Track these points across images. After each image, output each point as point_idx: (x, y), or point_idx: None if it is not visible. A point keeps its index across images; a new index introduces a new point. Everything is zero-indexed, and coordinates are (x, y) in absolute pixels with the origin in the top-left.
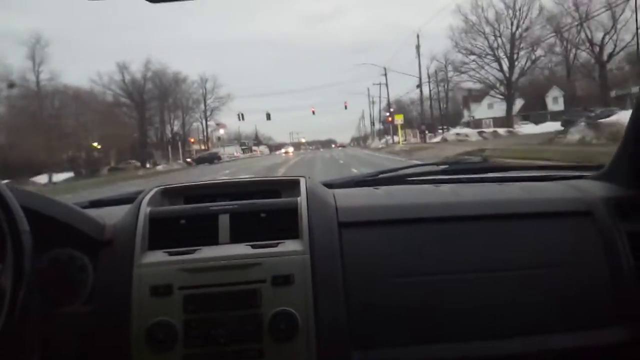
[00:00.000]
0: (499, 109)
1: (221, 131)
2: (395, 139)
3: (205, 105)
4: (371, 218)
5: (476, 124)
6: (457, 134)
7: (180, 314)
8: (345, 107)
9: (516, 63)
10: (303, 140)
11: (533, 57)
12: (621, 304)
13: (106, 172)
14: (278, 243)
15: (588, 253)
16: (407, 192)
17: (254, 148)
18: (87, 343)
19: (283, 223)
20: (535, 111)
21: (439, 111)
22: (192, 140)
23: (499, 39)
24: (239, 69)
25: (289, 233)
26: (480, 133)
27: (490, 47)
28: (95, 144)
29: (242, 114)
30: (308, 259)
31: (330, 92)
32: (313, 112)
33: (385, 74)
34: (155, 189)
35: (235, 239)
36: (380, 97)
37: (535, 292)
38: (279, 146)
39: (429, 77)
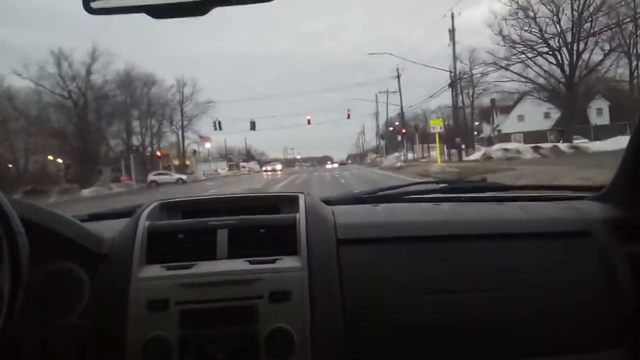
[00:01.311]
0: (533, 122)
1: (207, 145)
2: (410, 155)
3: (182, 113)
4: (370, 235)
5: (502, 139)
6: (505, 150)
7: (177, 329)
8: (348, 117)
9: (580, 58)
10: (298, 157)
11: (602, 48)
12: (621, 327)
13: (20, 195)
14: (276, 259)
15: (587, 274)
16: (406, 210)
17: (243, 164)
18: (83, 356)
19: (281, 239)
20: (579, 125)
21: (464, 123)
22: (160, 154)
23: (557, 25)
24: (231, 84)
25: (287, 249)
26: (536, 149)
27: (543, 36)
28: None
29: (219, 122)
30: (306, 275)
31: (327, 108)
32: (309, 122)
33: (399, 76)
34: (155, 203)
35: (233, 254)
36: (387, 108)
37: (535, 313)
38: (271, 162)
39: (456, 79)
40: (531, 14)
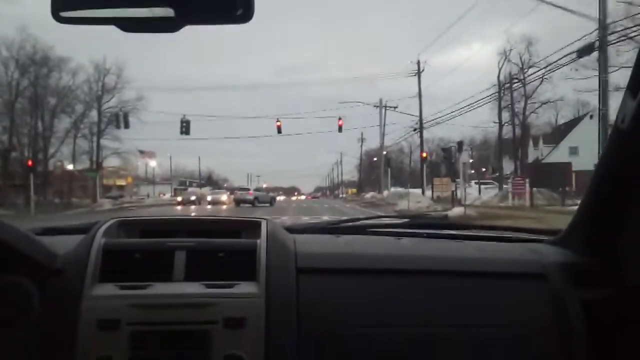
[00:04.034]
0: (590, 155)
1: (152, 163)
2: (394, 189)
3: (99, 111)
4: (330, 266)
5: None
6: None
7: (127, 351)
8: (340, 129)
9: None
10: (264, 186)
11: None
12: None
13: None
14: (234, 284)
15: (540, 317)
16: (367, 242)
17: (191, 190)
18: None
19: (240, 264)
20: None
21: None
22: (30, 163)
23: None
24: (201, 110)
25: (245, 275)
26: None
27: None
28: None
29: (187, 122)
30: (263, 302)
31: (297, 139)
32: (279, 129)
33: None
34: (112, 221)
35: (190, 277)
36: (382, 127)
37: (485, 353)
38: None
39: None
40: None
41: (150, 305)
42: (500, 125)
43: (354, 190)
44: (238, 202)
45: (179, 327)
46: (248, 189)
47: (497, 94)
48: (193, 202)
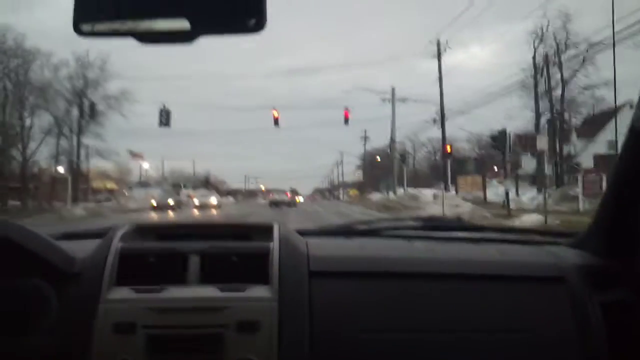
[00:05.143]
0: None
1: (145, 165)
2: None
3: (80, 108)
4: (342, 269)
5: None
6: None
7: (142, 354)
8: (346, 121)
9: None
10: (262, 188)
11: None
12: None
13: None
14: (246, 287)
15: (559, 320)
16: (380, 245)
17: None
18: None
19: (253, 268)
20: None
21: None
22: None
23: None
24: (200, 109)
25: (258, 278)
26: None
27: None
28: None
29: (167, 112)
30: (276, 306)
31: (296, 140)
32: (276, 121)
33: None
34: (129, 225)
35: (204, 280)
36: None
37: (503, 357)
38: (230, 193)
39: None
40: None
41: (165, 308)
42: (538, 114)
43: (355, 191)
44: (274, 203)
45: (194, 330)
46: (284, 191)
47: (531, 78)
48: (171, 207)
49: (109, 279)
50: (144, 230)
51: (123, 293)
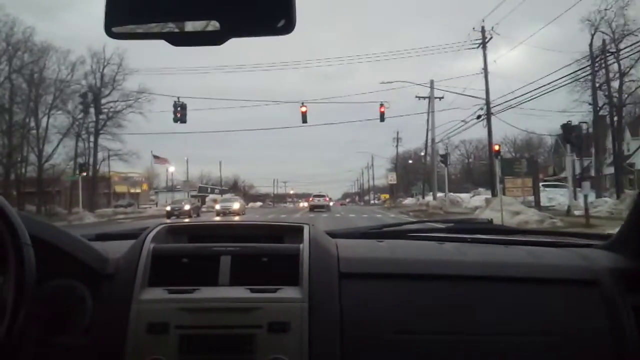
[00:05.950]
0: None
1: (170, 169)
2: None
3: (95, 106)
4: (372, 270)
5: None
6: None
7: (175, 354)
8: (382, 117)
9: None
10: (291, 192)
11: None
12: None
13: None
14: (277, 289)
15: (592, 323)
16: (410, 247)
17: (216, 197)
18: None
19: (284, 269)
20: None
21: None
22: None
23: None
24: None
25: (289, 279)
26: None
27: None
28: None
29: (182, 105)
30: (306, 307)
31: (325, 145)
32: (304, 117)
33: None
34: (161, 226)
35: (235, 281)
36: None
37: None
38: (259, 197)
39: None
40: None
41: (197, 309)
42: (596, 108)
43: (387, 195)
44: (314, 207)
45: (225, 330)
46: (324, 196)
47: (588, 68)
48: (187, 213)
49: (141, 280)
50: (176, 232)
51: (156, 293)
